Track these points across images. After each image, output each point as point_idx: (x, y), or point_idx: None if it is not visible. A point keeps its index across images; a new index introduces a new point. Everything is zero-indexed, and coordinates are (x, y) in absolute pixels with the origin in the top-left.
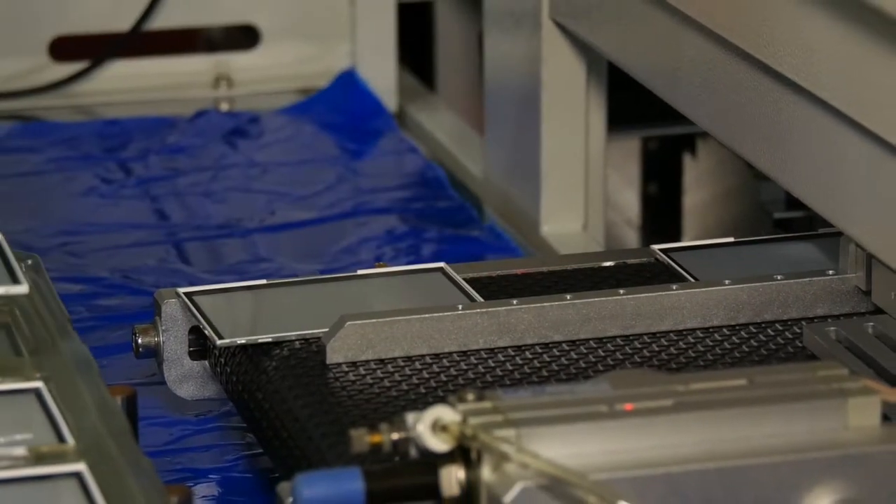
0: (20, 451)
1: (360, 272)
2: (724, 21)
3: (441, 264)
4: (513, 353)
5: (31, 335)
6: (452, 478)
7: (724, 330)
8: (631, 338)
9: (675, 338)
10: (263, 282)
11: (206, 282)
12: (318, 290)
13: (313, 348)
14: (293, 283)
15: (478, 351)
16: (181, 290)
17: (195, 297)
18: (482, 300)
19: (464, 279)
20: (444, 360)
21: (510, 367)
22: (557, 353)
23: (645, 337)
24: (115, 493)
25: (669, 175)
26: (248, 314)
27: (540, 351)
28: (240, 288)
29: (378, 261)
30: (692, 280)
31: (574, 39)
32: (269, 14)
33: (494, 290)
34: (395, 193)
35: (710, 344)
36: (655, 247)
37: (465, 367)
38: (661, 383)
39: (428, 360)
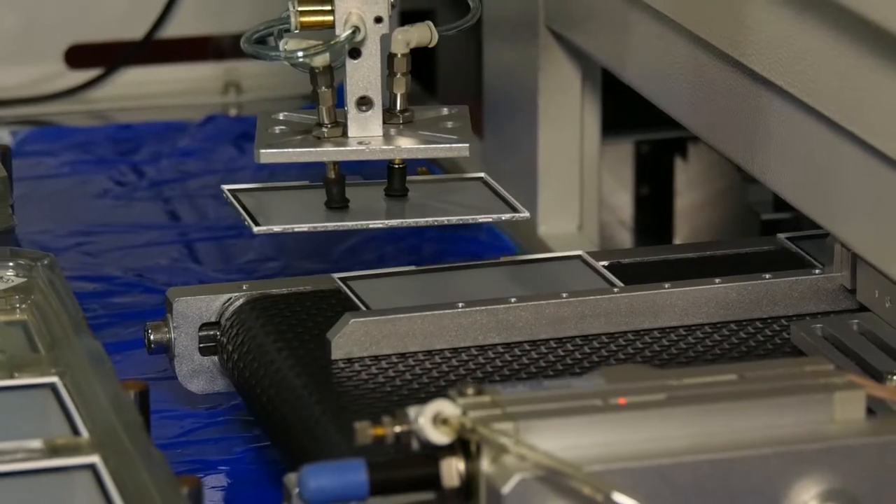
0: (36, 443)
1: (502, 259)
2: (713, 28)
3: (579, 252)
4: (518, 351)
5: (47, 332)
6: (452, 469)
7: (716, 326)
8: (629, 334)
9: (673, 335)
10: (412, 268)
11: (215, 280)
12: (461, 276)
13: None
14: (440, 270)
15: (479, 347)
16: (336, 275)
17: (350, 283)
18: (622, 285)
19: (602, 265)
20: (446, 356)
21: (508, 363)
22: (556, 350)
23: (645, 335)
24: (127, 484)
25: (661, 177)
26: (396, 298)
27: (538, 348)
28: (390, 273)
29: (383, 261)
30: (819, 266)
31: (569, 47)
32: None
33: (632, 275)
34: None
35: (705, 341)
36: (782, 235)
37: (464, 363)
38: (654, 378)
39: (430, 355)
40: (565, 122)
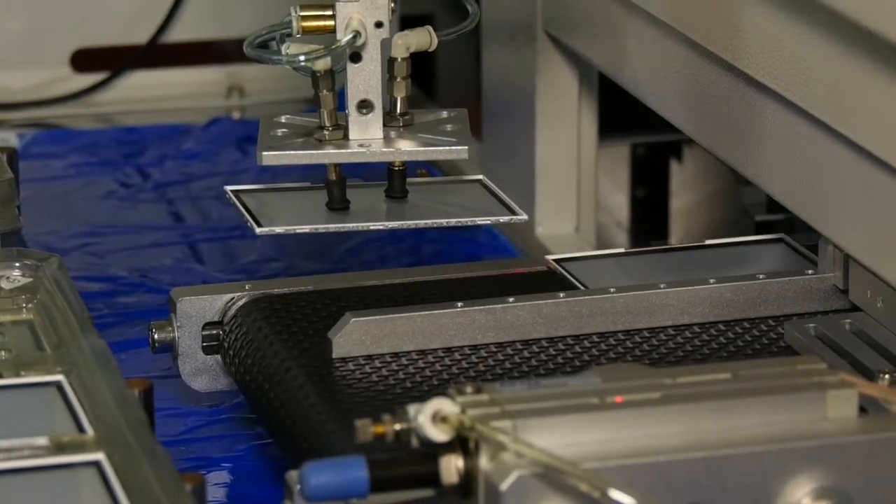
0: (42, 440)
1: (706, 242)
2: (708, 33)
3: (781, 234)
4: (514, 350)
5: (53, 331)
6: (452, 466)
7: (710, 326)
8: (631, 332)
9: (669, 334)
10: (622, 250)
11: (218, 280)
12: (668, 258)
13: None
14: (648, 252)
15: (476, 346)
16: (550, 257)
17: (564, 264)
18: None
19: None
20: (444, 355)
21: (505, 361)
22: (552, 349)
23: (645, 332)
24: (132, 480)
25: (657, 179)
26: (608, 278)
27: (535, 347)
28: (602, 256)
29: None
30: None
31: (567, 51)
32: None
33: None
34: None
35: (700, 341)
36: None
37: (462, 361)
38: (650, 377)
39: (429, 354)
40: (562, 124)
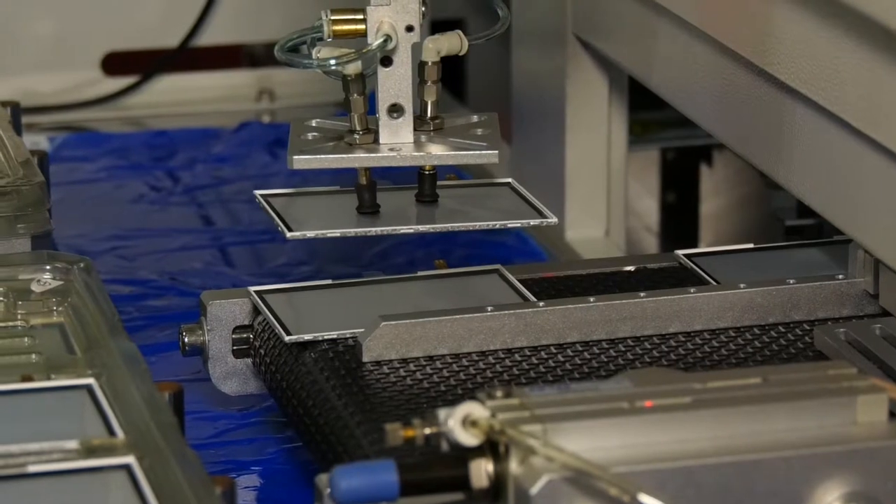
0: (72, 444)
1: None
2: (738, 37)
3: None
4: (545, 354)
5: (83, 334)
6: (481, 470)
7: (741, 331)
8: (655, 338)
9: (698, 338)
10: (751, 246)
11: (248, 283)
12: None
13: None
14: (770, 249)
15: (507, 350)
16: (680, 252)
17: (695, 259)
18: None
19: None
20: (475, 359)
21: (536, 366)
22: (583, 353)
23: (671, 339)
24: (162, 484)
25: (687, 184)
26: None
27: (566, 351)
28: (730, 251)
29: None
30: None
31: (597, 55)
32: None
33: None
34: None
35: (730, 345)
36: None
37: (492, 366)
38: (680, 381)
39: (458, 358)
40: (592, 129)
